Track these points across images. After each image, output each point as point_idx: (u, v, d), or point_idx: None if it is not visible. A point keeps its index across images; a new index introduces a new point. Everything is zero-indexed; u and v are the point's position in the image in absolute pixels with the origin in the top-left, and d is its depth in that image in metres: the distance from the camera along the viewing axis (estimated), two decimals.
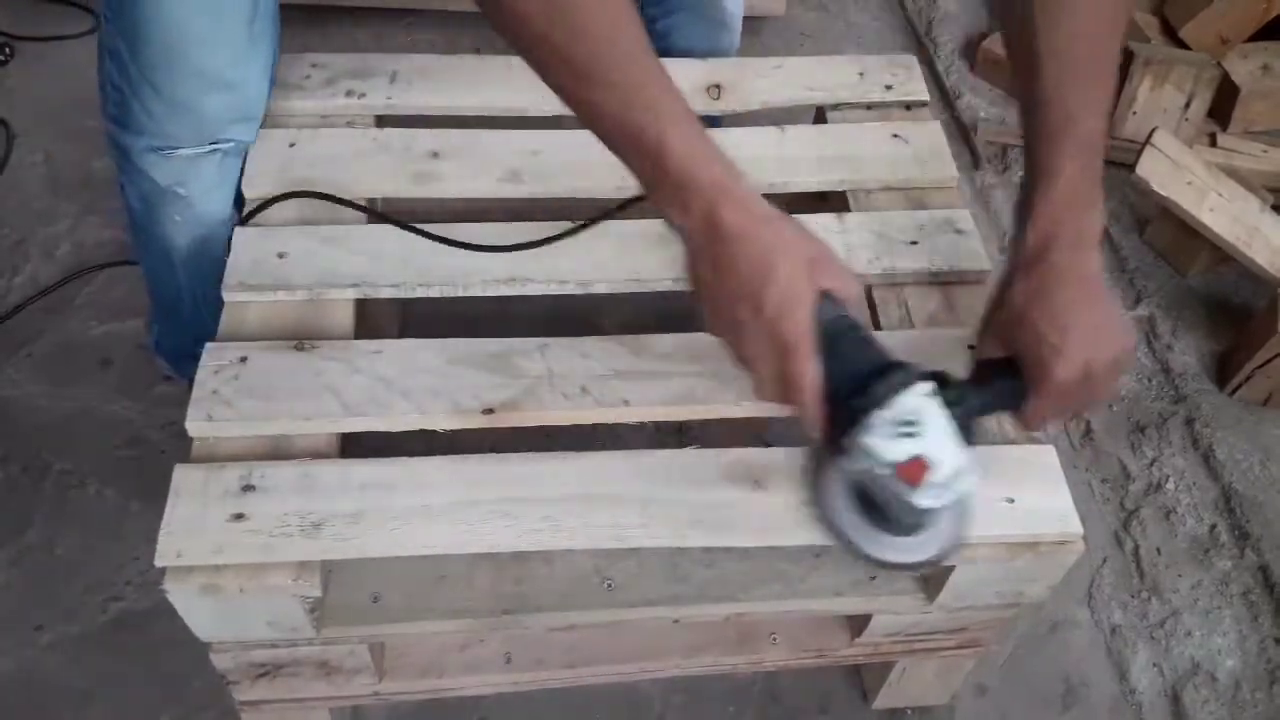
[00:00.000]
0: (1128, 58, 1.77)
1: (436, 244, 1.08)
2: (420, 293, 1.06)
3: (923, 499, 0.77)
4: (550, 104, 1.24)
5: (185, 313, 1.29)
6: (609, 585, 0.97)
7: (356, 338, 1.02)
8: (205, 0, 1.01)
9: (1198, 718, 1.28)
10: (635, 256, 1.10)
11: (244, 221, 1.09)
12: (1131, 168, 1.61)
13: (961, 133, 1.91)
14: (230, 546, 0.86)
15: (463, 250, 1.07)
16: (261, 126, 1.16)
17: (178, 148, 1.10)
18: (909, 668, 1.17)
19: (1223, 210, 1.59)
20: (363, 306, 1.06)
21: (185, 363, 1.40)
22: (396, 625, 0.95)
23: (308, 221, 1.10)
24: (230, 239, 1.08)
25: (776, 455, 0.96)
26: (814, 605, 1.00)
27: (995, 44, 1.96)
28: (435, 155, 1.17)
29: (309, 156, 1.15)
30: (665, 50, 1.38)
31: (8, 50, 1.88)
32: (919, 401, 0.77)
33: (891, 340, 1.06)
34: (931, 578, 0.99)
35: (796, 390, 0.76)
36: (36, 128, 1.78)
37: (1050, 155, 0.84)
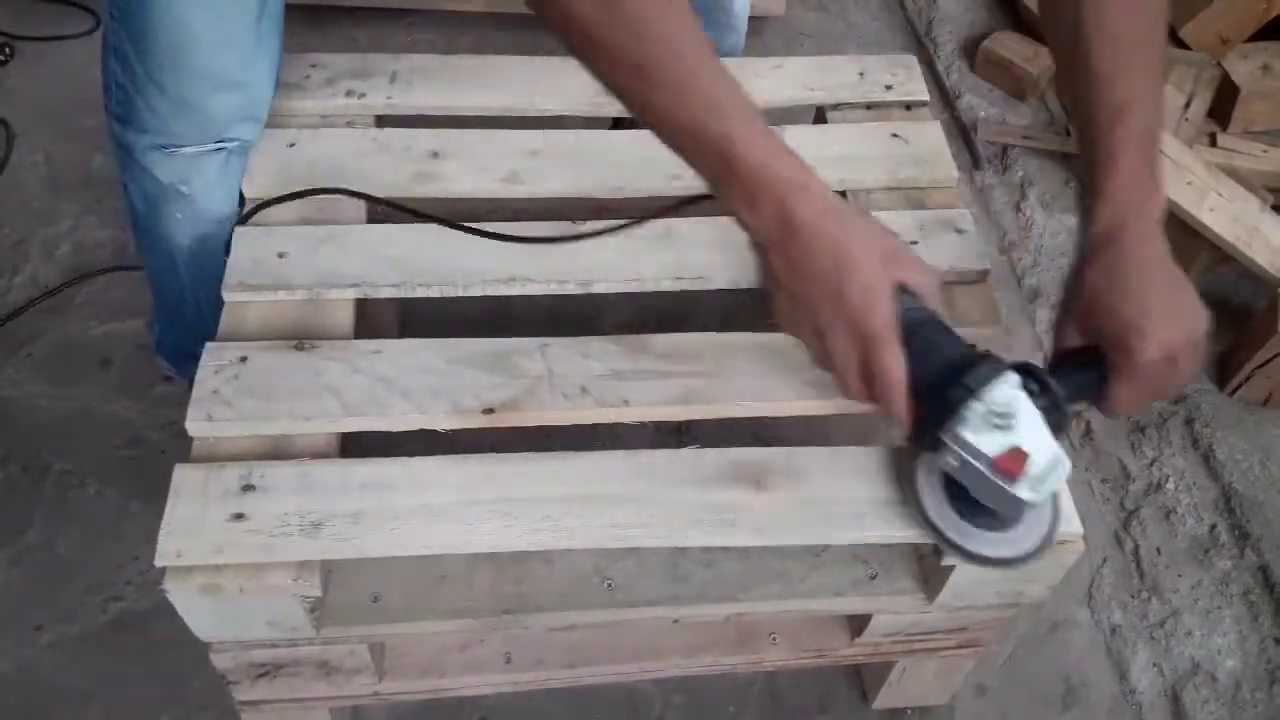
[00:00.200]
0: None
1: (435, 244, 1.08)
2: (420, 293, 1.06)
3: (1023, 491, 0.76)
4: (550, 104, 1.26)
5: (188, 313, 1.29)
6: (609, 585, 0.97)
7: (356, 338, 1.02)
8: (212, 1, 1.01)
9: (1198, 718, 1.28)
10: (635, 256, 1.10)
11: (244, 220, 1.09)
12: None
13: (961, 133, 1.91)
14: (230, 546, 0.86)
15: (463, 250, 1.07)
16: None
17: (181, 146, 1.10)
18: (909, 668, 1.17)
19: (1223, 210, 1.59)
20: (363, 306, 1.06)
21: (186, 363, 1.40)
22: (396, 625, 0.95)
23: (308, 221, 1.10)
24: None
25: (776, 455, 0.96)
26: (814, 605, 1.00)
27: (995, 44, 1.96)
28: (435, 155, 1.17)
29: (309, 156, 1.15)
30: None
31: (8, 50, 1.88)
32: (1010, 393, 0.76)
33: None
34: (931, 578, 0.99)
35: (885, 385, 0.76)
36: (36, 128, 1.78)
37: (1107, 148, 0.84)
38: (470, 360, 0.99)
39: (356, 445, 0.95)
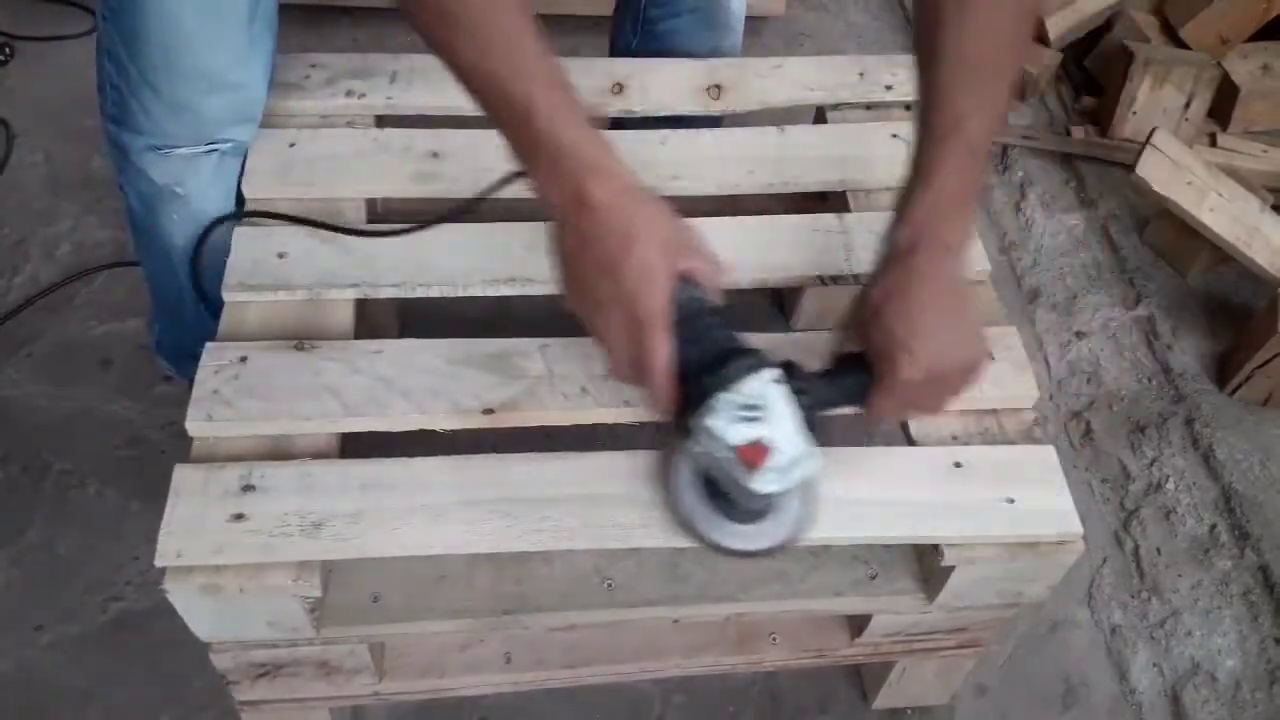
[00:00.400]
0: (1128, 58, 1.77)
1: (435, 244, 1.08)
2: (420, 293, 1.06)
3: (761, 483, 0.78)
4: None
5: (186, 313, 1.29)
6: (609, 585, 0.97)
7: (356, 338, 1.02)
8: (203, 2, 1.01)
9: (1198, 718, 1.28)
10: None
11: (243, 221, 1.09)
12: (1131, 168, 1.60)
13: None
14: (230, 546, 0.86)
15: (463, 250, 1.07)
16: (261, 126, 1.16)
17: (176, 147, 1.10)
18: (909, 668, 1.17)
19: (1223, 210, 1.59)
20: (363, 306, 1.06)
21: (186, 363, 1.40)
22: (396, 625, 0.95)
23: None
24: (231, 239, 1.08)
25: None
26: (814, 605, 1.00)
27: None
28: (435, 155, 1.17)
29: (309, 156, 1.15)
30: (668, 50, 1.38)
31: (8, 50, 1.88)
32: (764, 387, 0.78)
33: None
34: (931, 578, 0.99)
35: (649, 368, 0.77)
36: (36, 128, 1.78)
37: (932, 159, 0.84)
38: (470, 360, 0.99)
39: (356, 445, 0.95)
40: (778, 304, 1.57)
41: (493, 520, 0.89)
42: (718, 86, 1.28)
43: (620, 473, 0.94)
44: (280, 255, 1.06)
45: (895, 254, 0.84)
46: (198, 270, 1.17)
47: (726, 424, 0.77)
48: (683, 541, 0.89)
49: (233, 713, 1.07)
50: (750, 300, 1.48)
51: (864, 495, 0.94)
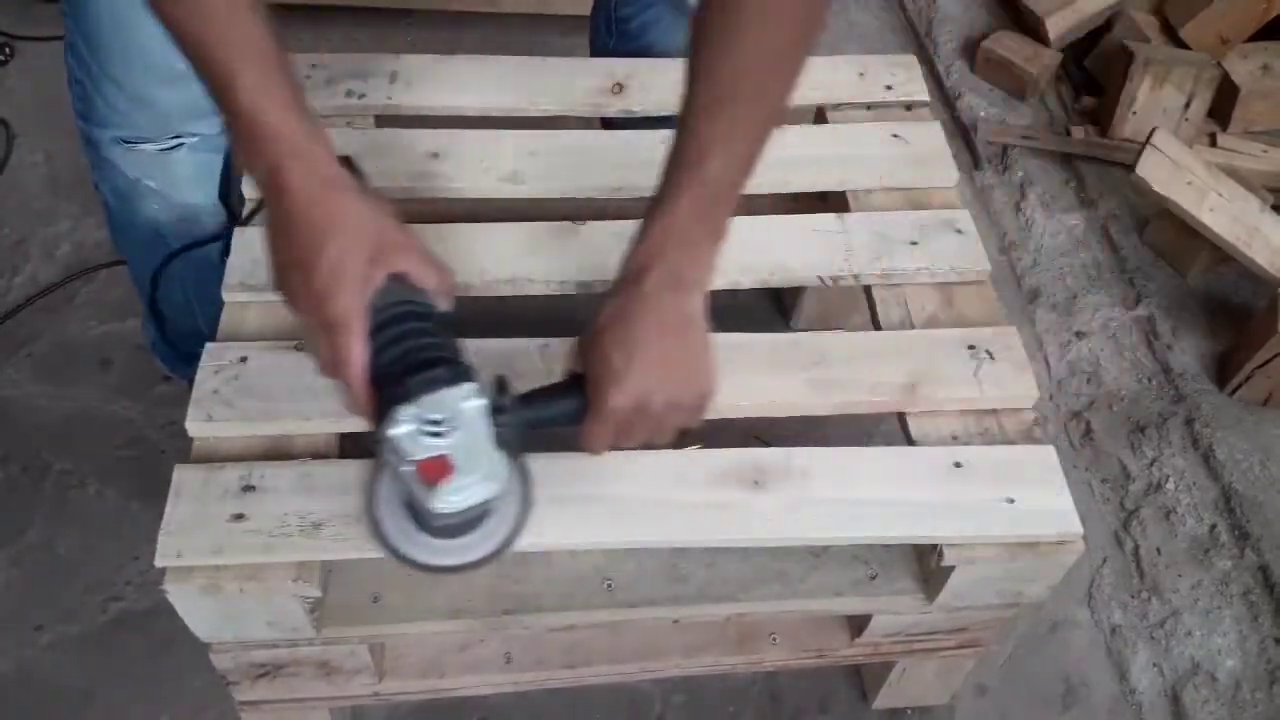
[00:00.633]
0: (1128, 58, 1.77)
1: (435, 244, 1.07)
2: None
3: (438, 500, 0.75)
4: (550, 104, 1.26)
5: (170, 314, 1.29)
6: (609, 585, 0.98)
7: None
8: None
9: (1198, 718, 1.28)
10: None
11: (244, 222, 1.09)
12: (1131, 168, 1.60)
13: (961, 133, 1.91)
14: (230, 546, 0.86)
15: (463, 250, 1.07)
16: None
17: (142, 141, 1.09)
18: (909, 668, 1.17)
19: (1223, 210, 1.59)
20: None
21: (179, 363, 1.40)
22: (396, 625, 0.95)
23: None
24: (216, 235, 1.07)
25: (776, 455, 0.96)
26: (814, 605, 1.00)
27: (995, 44, 1.96)
28: (435, 155, 1.17)
29: None
30: (647, 46, 1.37)
31: (8, 50, 1.88)
32: (457, 403, 0.74)
33: (891, 340, 1.06)
34: (931, 578, 0.99)
35: (343, 371, 0.74)
36: (36, 128, 1.78)
37: (672, 185, 0.80)
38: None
39: (356, 445, 0.95)
40: (778, 304, 1.57)
41: None
42: None
43: (620, 473, 0.93)
44: None
45: (625, 278, 0.81)
46: (156, 290, 1.16)
47: (410, 437, 0.74)
48: (376, 552, 0.86)
49: (233, 713, 1.07)
50: (750, 300, 1.48)
51: (864, 495, 0.94)
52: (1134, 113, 1.80)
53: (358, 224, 0.75)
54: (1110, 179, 1.81)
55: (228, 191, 1.16)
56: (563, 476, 0.93)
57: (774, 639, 1.11)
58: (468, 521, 0.81)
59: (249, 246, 1.07)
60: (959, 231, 1.15)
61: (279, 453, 0.93)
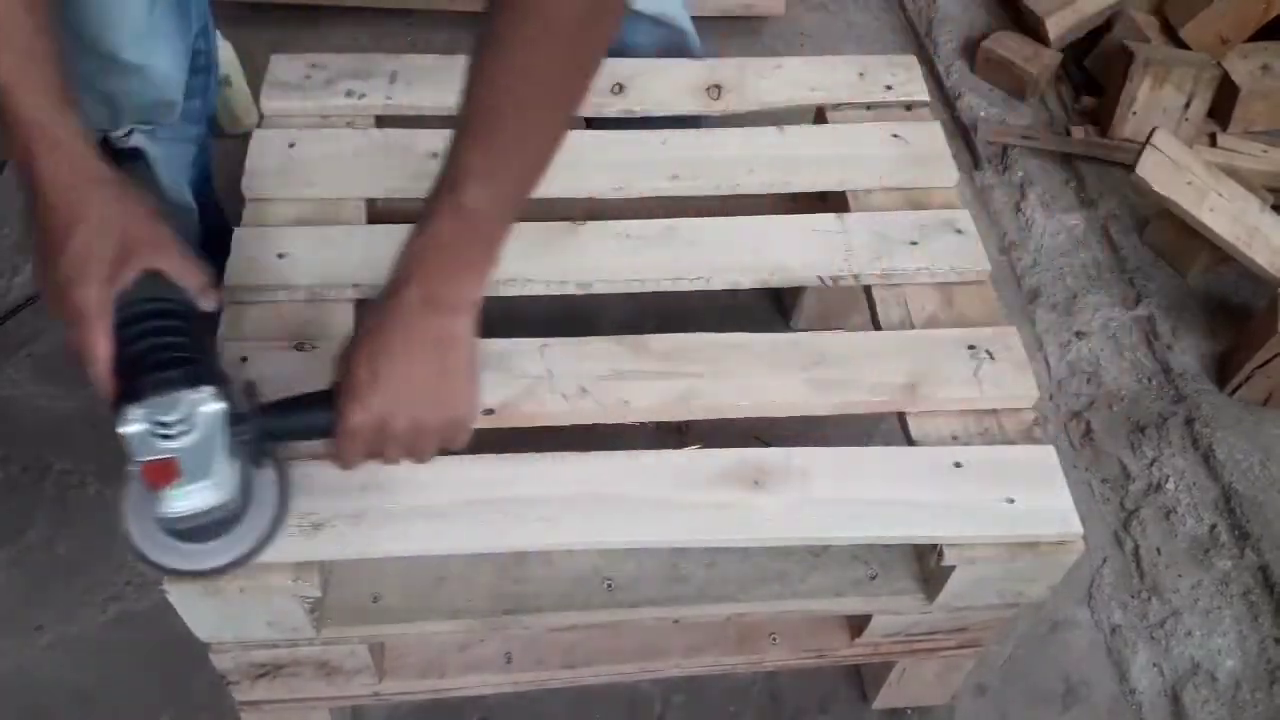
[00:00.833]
0: (1128, 58, 1.77)
1: None
2: None
3: (162, 503, 0.75)
4: None
5: None
6: (609, 585, 0.98)
7: None
8: None
9: (1198, 718, 1.27)
10: (635, 256, 1.10)
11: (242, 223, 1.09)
12: (1131, 168, 1.60)
13: (961, 133, 1.91)
14: None
15: None
16: (261, 127, 1.16)
17: (100, 130, 1.08)
18: (909, 668, 1.17)
19: (1223, 210, 1.59)
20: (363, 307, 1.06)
21: None
22: (396, 625, 0.95)
23: (307, 221, 1.10)
24: (197, 227, 1.06)
25: (776, 455, 0.96)
26: (814, 605, 1.00)
27: (995, 44, 1.96)
28: (435, 155, 1.16)
29: (309, 156, 1.15)
30: (617, 50, 1.35)
31: None
32: (192, 407, 0.73)
33: (891, 340, 1.06)
34: (931, 578, 0.99)
35: (85, 364, 0.74)
36: None
37: (431, 207, 0.77)
38: None
39: None
40: (778, 304, 1.57)
41: (493, 520, 0.89)
42: (718, 86, 1.28)
43: (620, 473, 0.94)
44: (280, 255, 1.06)
45: (385, 291, 0.79)
46: None
47: (139, 437, 0.73)
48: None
49: (233, 713, 1.07)
50: (750, 300, 1.48)
51: (864, 495, 0.94)
52: (1134, 113, 1.80)
53: (106, 217, 0.74)
54: (1110, 179, 1.81)
55: (208, 189, 1.15)
56: (563, 476, 0.93)
57: (774, 639, 1.11)
58: (207, 526, 0.80)
59: (249, 246, 1.07)
60: (959, 231, 1.15)
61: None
